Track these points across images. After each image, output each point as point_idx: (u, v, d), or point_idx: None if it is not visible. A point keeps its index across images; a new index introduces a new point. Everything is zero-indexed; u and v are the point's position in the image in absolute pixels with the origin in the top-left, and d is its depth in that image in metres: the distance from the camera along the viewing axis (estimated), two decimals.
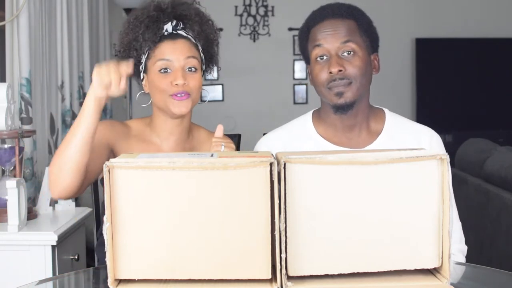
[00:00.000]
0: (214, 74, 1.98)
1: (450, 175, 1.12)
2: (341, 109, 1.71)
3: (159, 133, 1.82)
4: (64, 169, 1.58)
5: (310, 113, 1.84)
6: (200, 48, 1.81)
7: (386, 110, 1.84)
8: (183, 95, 1.72)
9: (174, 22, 1.78)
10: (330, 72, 1.68)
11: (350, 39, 1.70)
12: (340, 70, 1.68)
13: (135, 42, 1.78)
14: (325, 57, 1.71)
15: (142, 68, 1.81)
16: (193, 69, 1.75)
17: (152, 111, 1.86)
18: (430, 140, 1.77)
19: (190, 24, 1.80)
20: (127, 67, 1.56)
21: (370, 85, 1.76)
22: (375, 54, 1.78)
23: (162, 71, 1.74)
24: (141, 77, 1.82)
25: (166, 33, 1.77)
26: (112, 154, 1.78)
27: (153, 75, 1.76)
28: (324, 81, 1.70)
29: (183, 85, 1.72)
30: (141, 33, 1.76)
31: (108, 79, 1.52)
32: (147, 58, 1.78)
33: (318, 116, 1.82)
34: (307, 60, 1.80)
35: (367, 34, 1.75)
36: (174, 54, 1.75)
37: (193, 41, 1.79)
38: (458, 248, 1.77)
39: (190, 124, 1.87)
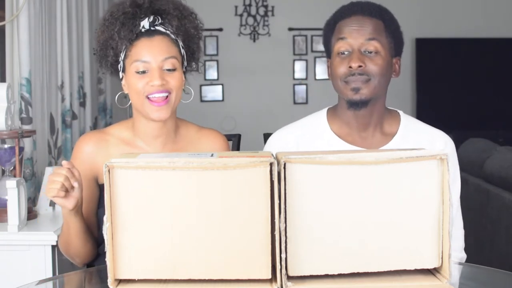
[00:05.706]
0: (214, 74, 1.95)
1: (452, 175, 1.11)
2: (355, 105, 1.68)
3: (143, 137, 1.74)
4: (78, 255, 1.71)
5: (325, 110, 1.80)
6: (180, 43, 1.72)
7: (401, 113, 1.81)
8: (163, 96, 1.64)
9: (152, 17, 1.68)
10: (350, 67, 1.65)
11: (375, 38, 1.67)
12: (360, 66, 1.64)
13: (111, 40, 1.68)
14: (346, 52, 1.68)
15: (120, 67, 1.71)
16: (171, 69, 1.67)
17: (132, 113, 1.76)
18: (444, 146, 1.74)
19: (168, 19, 1.71)
20: (72, 170, 1.52)
21: (387, 87, 1.73)
22: (397, 57, 1.75)
23: (140, 72, 1.65)
24: (120, 76, 1.73)
25: (143, 30, 1.67)
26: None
27: (130, 75, 1.67)
28: (342, 74, 1.67)
29: (161, 85, 1.63)
30: (117, 31, 1.67)
31: (61, 192, 1.50)
32: (125, 57, 1.69)
33: (333, 113, 1.78)
34: (328, 53, 1.77)
35: (393, 36, 1.72)
36: (151, 54, 1.65)
37: (172, 36, 1.70)
38: (460, 257, 1.75)
39: (177, 122, 1.78)
